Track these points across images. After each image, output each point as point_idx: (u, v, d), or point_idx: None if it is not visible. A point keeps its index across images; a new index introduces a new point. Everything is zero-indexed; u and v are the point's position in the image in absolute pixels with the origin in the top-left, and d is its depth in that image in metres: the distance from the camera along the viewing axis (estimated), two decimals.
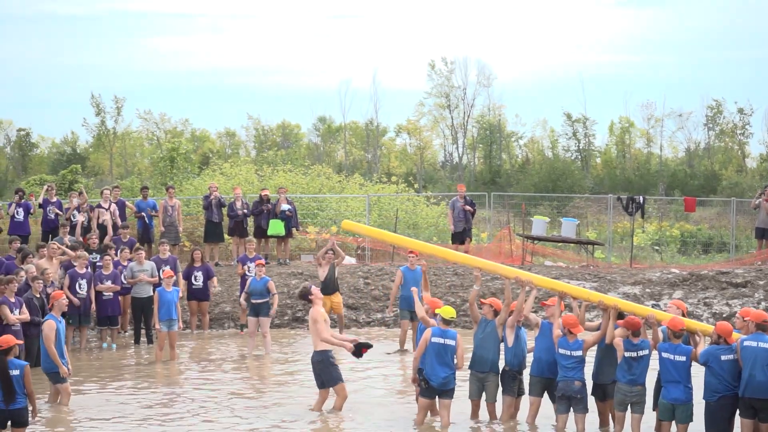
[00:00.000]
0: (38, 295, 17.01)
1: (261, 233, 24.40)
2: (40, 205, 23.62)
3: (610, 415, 12.45)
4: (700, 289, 22.66)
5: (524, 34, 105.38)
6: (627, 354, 11.93)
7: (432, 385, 12.56)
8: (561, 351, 12.28)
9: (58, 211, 23.45)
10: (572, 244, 27.92)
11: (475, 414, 13.06)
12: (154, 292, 18.76)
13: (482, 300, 13.15)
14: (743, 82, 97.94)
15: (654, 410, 12.21)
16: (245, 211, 24.42)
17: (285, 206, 24.30)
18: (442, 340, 12.58)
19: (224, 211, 24.64)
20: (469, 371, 13.06)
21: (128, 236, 22.18)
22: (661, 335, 12.10)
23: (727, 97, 76.34)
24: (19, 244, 20.33)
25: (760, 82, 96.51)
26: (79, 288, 19.07)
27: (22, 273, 17.72)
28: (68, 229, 21.90)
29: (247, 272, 20.61)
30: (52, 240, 21.19)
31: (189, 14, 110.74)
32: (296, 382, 15.95)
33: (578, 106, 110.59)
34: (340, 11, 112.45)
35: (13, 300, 16.11)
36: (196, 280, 21.00)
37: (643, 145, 76.30)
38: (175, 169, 41.29)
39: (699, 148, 76.07)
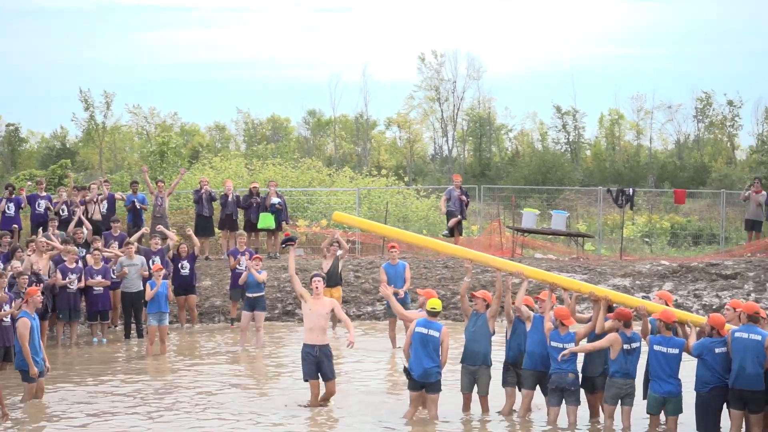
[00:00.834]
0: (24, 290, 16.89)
1: (250, 227, 24.36)
2: (29, 200, 23.56)
3: (600, 407, 12.46)
4: (690, 280, 22.71)
5: (514, 26, 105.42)
6: (624, 346, 11.94)
7: (413, 377, 12.50)
8: (553, 344, 12.25)
9: (49, 204, 23.41)
10: (562, 237, 27.96)
11: (466, 407, 13.06)
12: (144, 285, 18.72)
13: (473, 293, 13.10)
14: (732, 74, 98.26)
15: (644, 399, 12.22)
16: (236, 200, 24.48)
17: (275, 199, 24.29)
18: (425, 331, 12.48)
19: (215, 204, 24.61)
20: (460, 364, 13.06)
21: (119, 230, 22.13)
22: (649, 326, 12.13)
23: (716, 89, 76.11)
24: (9, 239, 20.28)
25: (750, 75, 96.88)
26: (69, 283, 19.03)
27: (9, 268, 17.65)
28: (57, 223, 21.83)
29: (238, 266, 20.58)
30: (42, 234, 21.08)
31: (178, 8, 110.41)
32: (288, 374, 15.92)
33: (568, 98, 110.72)
34: (329, 4, 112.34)
35: (3, 294, 16.00)
36: (182, 268, 20.97)
37: (633, 137, 76.38)
38: (165, 163, 41.17)
39: (688, 140, 76.16)
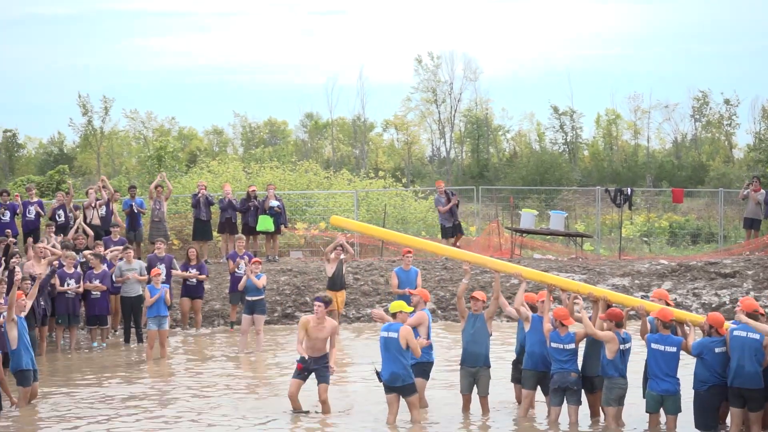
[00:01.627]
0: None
1: (249, 230, 24.36)
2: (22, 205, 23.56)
3: (600, 408, 12.45)
4: (689, 279, 22.73)
5: (510, 27, 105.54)
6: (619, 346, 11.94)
7: (384, 381, 12.29)
8: (554, 345, 12.23)
9: (39, 210, 23.42)
10: (561, 237, 27.97)
11: (466, 408, 13.05)
12: (144, 291, 18.71)
13: (474, 295, 12.97)
14: (729, 73, 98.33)
15: (644, 398, 12.22)
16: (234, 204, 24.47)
17: (274, 202, 24.29)
18: (386, 334, 12.25)
19: (213, 209, 24.60)
20: (459, 367, 13.03)
21: (119, 236, 22.13)
22: (648, 326, 12.13)
23: (713, 88, 76.30)
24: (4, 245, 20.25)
25: (746, 73, 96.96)
26: (68, 289, 19.03)
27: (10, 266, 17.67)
28: (54, 228, 21.79)
29: (237, 269, 20.57)
30: (36, 241, 21.05)
31: (175, 13, 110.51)
32: (288, 377, 15.84)
33: (565, 99, 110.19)
34: (326, 7, 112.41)
35: (1, 301, 16.00)
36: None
37: (631, 137, 76.43)
38: (163, 167, 41.20)
39: (686, 139, 76.22)
